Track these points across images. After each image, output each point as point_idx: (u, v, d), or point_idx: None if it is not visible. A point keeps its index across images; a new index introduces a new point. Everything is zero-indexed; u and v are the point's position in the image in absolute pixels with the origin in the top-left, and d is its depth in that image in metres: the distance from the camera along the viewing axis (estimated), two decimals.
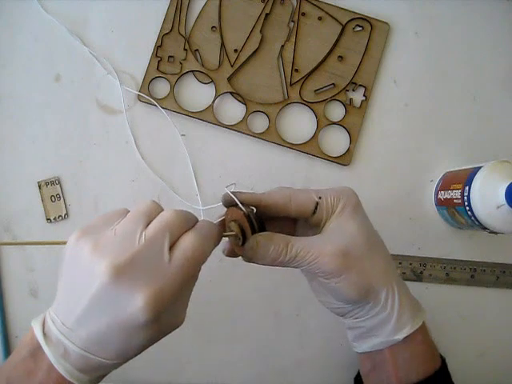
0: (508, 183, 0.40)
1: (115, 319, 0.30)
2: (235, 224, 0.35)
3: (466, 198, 0.44)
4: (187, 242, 0.31)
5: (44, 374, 0.30)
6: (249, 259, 0.35)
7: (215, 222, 0.36)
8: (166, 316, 0.31)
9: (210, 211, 0.50)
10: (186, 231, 0.32)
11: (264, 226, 0.35)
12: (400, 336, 0.35)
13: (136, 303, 0.29)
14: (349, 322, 0.38)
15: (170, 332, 0.34)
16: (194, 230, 0.32)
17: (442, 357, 0.39)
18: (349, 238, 0.35)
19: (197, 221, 0.33)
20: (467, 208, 0.44)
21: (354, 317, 0.37)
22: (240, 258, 0.37)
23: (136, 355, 0.33)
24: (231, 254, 0.38)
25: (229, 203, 0.36)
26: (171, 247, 0.31)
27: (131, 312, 0.29)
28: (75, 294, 0.30)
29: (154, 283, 0.29)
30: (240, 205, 0.35)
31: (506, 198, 0.40)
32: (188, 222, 0.32)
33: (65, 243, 0.32)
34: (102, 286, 0.29)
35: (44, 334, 0.31)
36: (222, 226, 0.37)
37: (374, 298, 0.35)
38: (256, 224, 0.35)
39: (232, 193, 0.35)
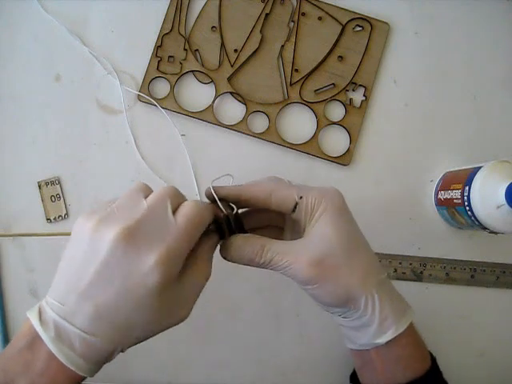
0: (508, 183, 0.40)
1: (125, 284, 0.30)
2: (213, 225, 0.35)
3: (465, 197, 0.44)
4: (187, 207, 0.32)
5: (43, 363, 0.30)
6: (225, 258, 0.36)
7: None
8: (172, 296, 0.31)
9: None
10: (182, 202, 0.33)
11: (243, 226, 0.36)
12: (382, 340, 0.35)
13: (147, 263, 0.29)
14: (337, 320, 0.38)
15: (173, 323, 0.33)
16: (190, 200, 0.33)
17: (432, 356, 0.39)
18: (326, 245, 0.34)
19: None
20: (467, 208, 0.44)
21: (341, 316, 0.37)
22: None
23: (137, 341, 0.32)
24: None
25: (212, 199, 0.36)
26: (173, 213, 0.32)
27: (142, 272, 0.29)
28: (79, 270, 0.30)
29: (164, 243, 0.30)
30: (220, 205, 0.35)
31: (506, 198, 0.40)
32: (182, 195, 0.34)
33: (69, 234, 0.32)
34: (112, 251, 0.29)
35: (41, 321, 0.30)
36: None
37: (353, 304, 0.35)
38: (234, 225, 0.35)
39: (213, 188, 0.35)
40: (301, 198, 0.35)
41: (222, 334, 0.51)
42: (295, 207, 0.36)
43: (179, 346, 0.50)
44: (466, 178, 0.45)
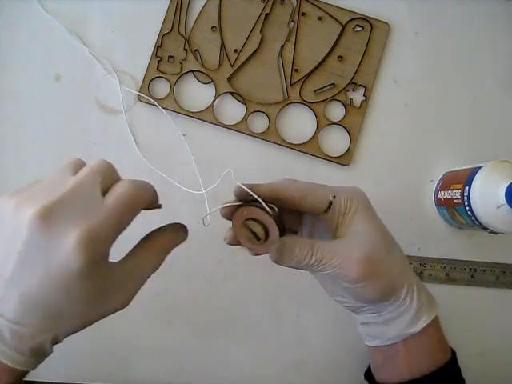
0: (508, 183, 0.40)
1: (47, 270, 0.27)
2: (256, 224, 0.34)
3: (465, 197, 0.44)
4: (120, 185, 0.30)
5: None
6: (275, 261, 0.35)
7: (223, 206, 0.35)
8: (106, 281, 0.29)
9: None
10: (118, 180, 0.31)
11: (284, 227, 0.35)
12: (417, 328, 0.36)
13: (67, 244, 0.27)
14: (362, 318, 0.38)
15: (110, 310, 0.31)
16: (128, 179, 0.31)
17: (452, 350, 0.40)
18: (370, 242, 0.35)
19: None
20: (467, 208, 0.44)
21: (370, 312, 0.37)
22: (241, 256, 0.36)
23: (72, 329, 0.30)
24: (234, 242, 0.37)
25: (243, 198, 0.34)
26: (105, 193, 0.29)
27: (64, 257, 0.27)
28: (2, 256, 0.28)
29: (86, 222, 0.27)
30: (266, 207, 0.33)
31: (506, 198, 0.40)
32: (116, 173, 0.31)
33: None
34: (30, 233, 0.27)
35: None
36: (231, 213, 0.35)
37: (395, 294, 0.36)
38: (282, 226, 0.34)
39: (249, 188, 0.33)
40: (334, 197, 0.35)
41: (222, 334, 0.51)
42: (329, 207, 0.36)
43: (179, 345, 0.50)
44: (466, 178, 0.45)
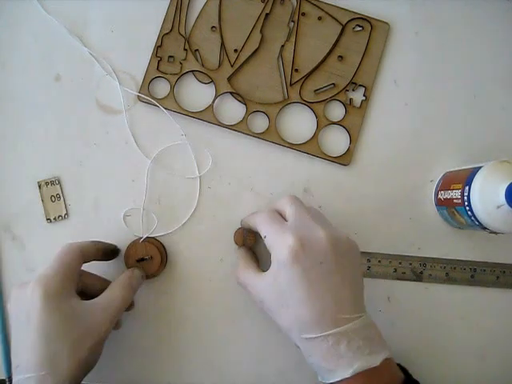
0: (508, 183, 0.40)
1: (23, 315, 0.39)
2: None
3: (466, 197, 0.44)
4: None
5: None
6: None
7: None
8: (79, 312, 0.39)
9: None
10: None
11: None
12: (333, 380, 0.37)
13: (28, 290, 0.39)
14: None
15: (93, 340, 0.40)
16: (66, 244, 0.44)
17: (404, 370, 0.40)
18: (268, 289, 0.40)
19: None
20: (467, 208, 0.44)
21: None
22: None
23: (74, 369, 0.38)
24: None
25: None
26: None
27: (29, 299, 0.38)
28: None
29: (40, 273, 0.41)
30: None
31: (506, 198, 0.40)
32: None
33: None
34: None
35: None
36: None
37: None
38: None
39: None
40: (265, 237, 0.41)
41: (222, 334, 0.51)
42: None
43: (179, 345, 0.50)
44: (466, 178, 0.45)
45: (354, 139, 0.52)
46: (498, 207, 0.41)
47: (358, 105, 0.52)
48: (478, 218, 0.43)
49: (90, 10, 0.52)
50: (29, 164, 0.51)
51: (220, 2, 0.52)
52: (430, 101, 0.53)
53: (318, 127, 0.52)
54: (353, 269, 0.40)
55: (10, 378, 0.49)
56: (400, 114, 0.53)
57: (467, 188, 0.44)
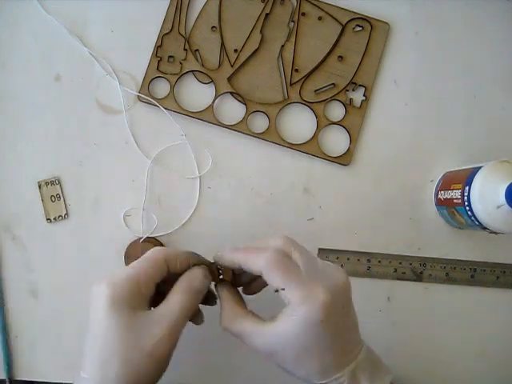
0: (508, 183, 0.40)
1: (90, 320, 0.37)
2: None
3: (466, 197, 0.44)
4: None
5: None
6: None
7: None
8: (141, 321, 0.36)
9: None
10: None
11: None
12: None
13: (99, 288, 0.36)
14: None
15: (142, 356, 0.36)
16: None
17: None
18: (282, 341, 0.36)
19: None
20: (467, 208, 0.44)
21: None
22: None
23: (121, 374, 0.36)
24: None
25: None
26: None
27: (96, 297, 0.36)
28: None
29: (109, 277, 0.37)
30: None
31: (506, 198, 0.40)
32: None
33: None
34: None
35: None
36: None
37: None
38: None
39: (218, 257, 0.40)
40: (283, 289, 0.35)
41: (222, 334, 0.51)
42: (276, 290, 0.36)
43: (179, 346, 0.50)
44: (466, 178, 0.45)
45: (353, 139, 0.52)
46: (498, 207, 0.41)
47: (358, 105, 0.52)
48: (478, 218, 0.43)
49: (90, 9, 0.52)
50: (29, 164, 0.51)
51: (220, 2, 0.52)
52: (430, 101, 0.53)
53: (318, 127, 0.52)
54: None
55: (10, 378, 0.49)
56: (400, 114, 0.53)
57: (467, 188, 0.44)
